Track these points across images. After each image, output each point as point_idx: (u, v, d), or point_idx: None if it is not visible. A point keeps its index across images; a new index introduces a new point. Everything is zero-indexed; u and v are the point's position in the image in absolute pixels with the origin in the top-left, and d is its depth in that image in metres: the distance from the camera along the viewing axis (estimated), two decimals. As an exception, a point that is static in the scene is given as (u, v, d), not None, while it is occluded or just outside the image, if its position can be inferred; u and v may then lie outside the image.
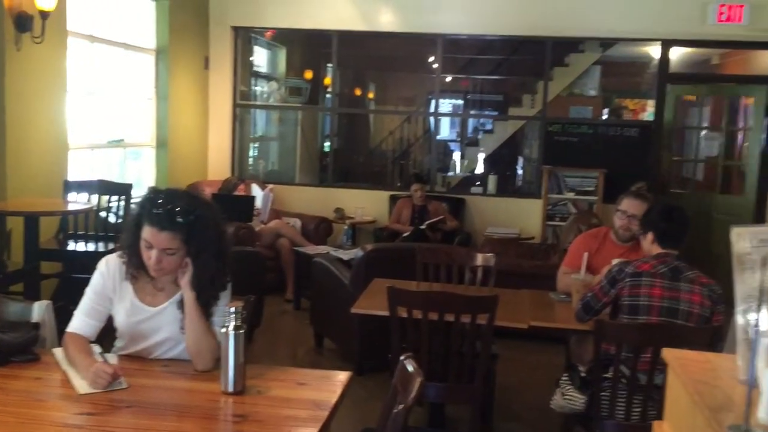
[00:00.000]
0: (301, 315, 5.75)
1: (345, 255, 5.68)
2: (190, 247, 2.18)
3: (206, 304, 2.23)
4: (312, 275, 5.22)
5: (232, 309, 2.04)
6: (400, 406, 1.82)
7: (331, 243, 6.91)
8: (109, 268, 2.30)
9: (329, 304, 4.88)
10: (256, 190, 7.00)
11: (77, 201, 5.01)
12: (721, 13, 6.77)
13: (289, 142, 9.96)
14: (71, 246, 4.94)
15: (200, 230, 2.18)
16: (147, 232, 2.15)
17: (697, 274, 2.89)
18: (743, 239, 1.48)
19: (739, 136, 7.93)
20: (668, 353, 1.63)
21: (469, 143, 11.47)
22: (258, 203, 6.81)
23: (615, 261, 3.35)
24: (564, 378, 3.15)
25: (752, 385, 1.27)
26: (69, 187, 5.16)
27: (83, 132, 5.82)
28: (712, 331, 2.71)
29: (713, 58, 9.33)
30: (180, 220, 2.15)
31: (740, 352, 1.45)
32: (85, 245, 4.93)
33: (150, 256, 2.17)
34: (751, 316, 1.37)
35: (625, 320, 2.88)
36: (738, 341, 1.46)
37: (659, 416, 1.91)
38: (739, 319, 1.46)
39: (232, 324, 2.03)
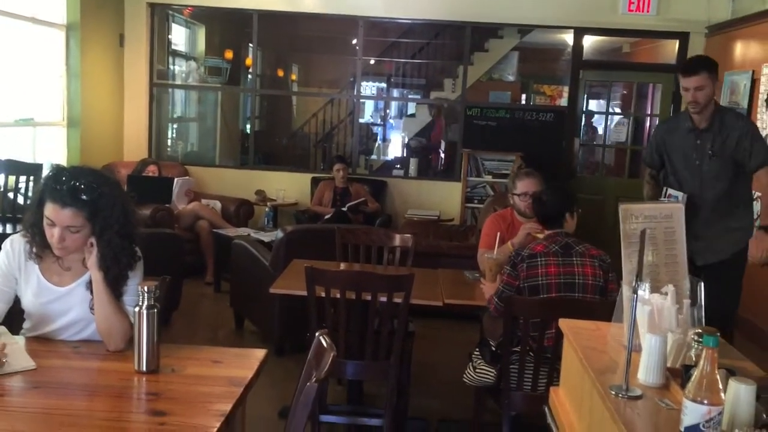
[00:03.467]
0: (222, 297, 5.71)
1: (266, 237, 5.67)
2: (95, 226, 2.15)
3: (115, 283, 2.21)
4: (232, 257, 5.19)
5: (145, 288, 2.03)
6: (313, 380, 1.87)
7: (252, 225, 6.87)
8: (13, 247, 2.25)
9: (249, 285, 4.87)
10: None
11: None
12: (631, 3, 7.07)
13: (209, 123, 9.78)
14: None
15: (105, 208, 2.15)
16: (49, 209, 2.11)
17: (586, 248, 3.07)
18: (630, 216, 1.59)
19: (648, 122, 8.30)
20: (564, 323, 1.73)
21: (392, 126, 11.56)
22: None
23: (527, 226, 3.56)
24: (476, 353, 3.27)
25: (632, 349, 1.38)
26: (-26, 166, 4.96)
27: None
28: (614, 304, 2.87)
29: (624, 47, 9.70)
30: (84, 196, 2.11)
31: (625, 320, 1.56)
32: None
33: (53, 234, 2.13)
34: (634, 287, 1.47)
35: (529, 299, 3.02)
36: (624, 309, 1.57)
37: (559, 384, 2.02)
38: (625, 291, 1.57)
39: (145, 303, 2.03)
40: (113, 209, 2.18)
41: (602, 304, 2.88)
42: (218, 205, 6.87)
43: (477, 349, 3.30)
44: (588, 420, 1.48)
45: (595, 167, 8.63)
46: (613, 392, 1.34)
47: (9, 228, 4.69)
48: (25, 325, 2.32)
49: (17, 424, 1.70)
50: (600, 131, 8.61)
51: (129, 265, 2.25)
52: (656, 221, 1.62)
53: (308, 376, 2.02)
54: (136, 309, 2.03)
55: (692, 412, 1.20)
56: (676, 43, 7.32)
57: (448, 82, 9.46)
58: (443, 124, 9.67)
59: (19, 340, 2.21)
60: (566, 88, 8.03)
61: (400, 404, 3.64)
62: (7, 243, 2.27)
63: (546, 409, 2.03)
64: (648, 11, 7.05)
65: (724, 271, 3.61)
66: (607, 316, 2.62)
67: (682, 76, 3.52)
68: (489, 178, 7.45)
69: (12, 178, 5.01)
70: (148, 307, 2.03)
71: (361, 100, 8.95)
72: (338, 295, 3.12)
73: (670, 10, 7.07)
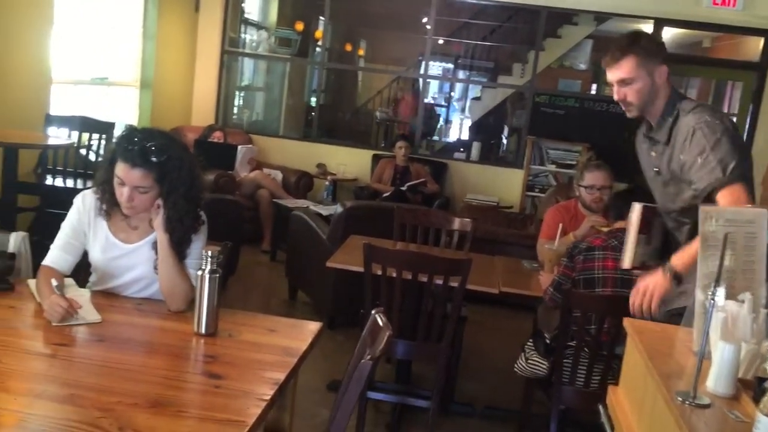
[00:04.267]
0: (277, 267, 5.79)
1: (324, 210, 5.71)
2: (163, 187, 2.19)
3: (179, 245, 2.25)
4: (290, 228, 5.24)
5: (209, 253, 2.06)
6: (368, 357, 1.87)
7: (311, 198, 6.92)
8: (84, 203, 2.31)
9: (305, 257, 4.91)
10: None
11: (58, 136, 4.96)
12: (716, -3, 6.79)
13: (276, 93, 9.87)
14: (49, 181, 4.90)
15: (173, 170, 2.18)
16: (120, 169, 2.16)
17: None
18: (710, 219, 1.53)
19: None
20: (629, 323, 1.68)
21: (456, 108, 11.45)
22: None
23: (591, 219, 3.49)
24: (529, 344, 3.23)
25: (703, 356, 1.33)
26: (51, 121, 5.10)
27: (68, 67, 5.73)
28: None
29: (705, 41, 9.35)
30: (154, 158, 2.15)
31: (696, 325, 1.50)
32: (64, 181, 4.89)
33: (122, 193, 2.18)
34: (710, 293, 1.42)
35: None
36: (696, 315, 1.51)
37: (617, 383, 1.98)
38: (699, 295, 1.51)
39: (208, 267, 2.05)
40: (181, 172, 2.21)
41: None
42: (279, 175, 6.94)
43: (530, 340, 3.25)
44: (649, 424, 1.43)
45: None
46: (680, 399, 1.29)
47: (80, 183, 4.83)
48: (91, 278, 2.39)
49: (81, 375, 1.75)
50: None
51: (193, 228, 2.29)
52: (737, 225, 1.55)
53: (362, 352, 2.02)
54: (199, 272, 2.06)
55: (766, 427, 1.15)
56: (761, 41, 7.02)
57: (517, 66, 9.30)
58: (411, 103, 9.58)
59: (86, 293, 2.27)
60: (640, 81, 7.78)
61: (447, 387, 3.63)
62: (78, 198, 2.33)
63: (600, 407, 1.98)
64: (733, 5, 6.77)
65: None
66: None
67: (604, 65, 2.46)
68: (552, 167, 7.31)
69: (85, 135, 5.14)
70: (211, 272, 2.05)
71: (427, 80, 8.89)
72: (394, 275, 3.12)
73: (757, 6, 6.76)
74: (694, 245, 1.86)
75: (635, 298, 2.21)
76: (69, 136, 5.03)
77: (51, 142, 4.76)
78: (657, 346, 1.55)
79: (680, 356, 1.50)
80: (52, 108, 5.35)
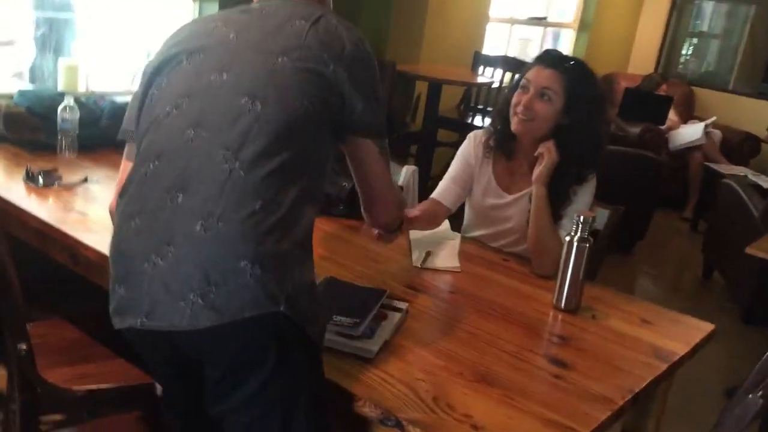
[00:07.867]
0: (696, 239, 5.12)
1: (766, 183, 4.81)
2: (564, 117, 2.00)
3: (555, 203, 1.99)
4: (718, 197, 4.53)
5: (581, 218, 1.76)
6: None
7: (754, 166, 5.90)
8: (475, 139, 2.21)
9: (729, 234, 4.20)
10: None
11: (484, 75, 5.02)
12: None
13: (732, 41, 8.61)
14: (470, 118, 5.01)
15: (582, 96, 2.00)
16: (530, 72, 2.05)
17: None
18: None
19: None
20: None
21: None
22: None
23: None
24: None
25: None
26: (479, 60, 5.19)
27: (505, 5, 5.75)
28: None
29: None
30: (571, 62, 2.06)
31: None
32: (483, 120, 4.94)
33: (520, 101, 2.02)
34: None
35: None
36: None
37: None
38: None
39: (578, 234, 1.76)
40: (589, 106, 2.02)
41: None
42: (718, 135, 6.05)
43: None
44: None
45: None
46: None
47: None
48: (464, 224, 2.30)
49: (418, 325, 1.64)
50: None
51: (575, 186, 2.02)
52: None
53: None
54: (567, 238, 1.78)
55: None
56: None
57: None
58: None
59: (455, 238, 2.17)
60: None
61: None
62: (471, 135, 2.25)
63: None
64: None
65: None
66: None
67: None
68: None
69: (509, 75, 5.11)
70: (580, 239, 1.76)
71: None
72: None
73: None
74: None
75: None
76: (492, 75, 5.06)
77: (476, 80, 4.83)
78: None
79: None
80: (485, 46, 5.44)
